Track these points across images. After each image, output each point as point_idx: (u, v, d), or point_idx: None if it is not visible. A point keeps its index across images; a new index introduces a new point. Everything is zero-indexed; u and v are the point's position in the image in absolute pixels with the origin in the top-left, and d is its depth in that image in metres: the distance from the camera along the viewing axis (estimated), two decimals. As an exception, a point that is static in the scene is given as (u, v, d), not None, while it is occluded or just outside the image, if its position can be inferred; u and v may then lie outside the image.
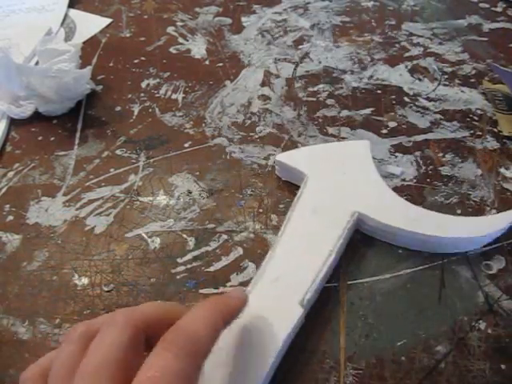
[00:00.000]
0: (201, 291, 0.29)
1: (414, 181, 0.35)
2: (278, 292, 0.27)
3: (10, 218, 0.34)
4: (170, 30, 0.53)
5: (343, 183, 0.32)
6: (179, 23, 0.54)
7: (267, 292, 0.27)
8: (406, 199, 0.32)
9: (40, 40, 0.43)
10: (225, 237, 0.32)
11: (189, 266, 0.30)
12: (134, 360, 0.20)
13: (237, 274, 0.30)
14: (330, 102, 0.42)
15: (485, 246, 0.30)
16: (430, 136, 0.39)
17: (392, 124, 0.40)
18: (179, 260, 0.31)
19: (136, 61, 0.48)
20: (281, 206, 0.34)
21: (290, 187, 0.35)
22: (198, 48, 0.50)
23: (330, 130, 0.39)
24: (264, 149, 0.38)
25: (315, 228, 0.30)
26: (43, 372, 0.21)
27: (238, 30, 0.52)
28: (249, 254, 0.31)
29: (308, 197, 0.31)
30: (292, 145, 0.38)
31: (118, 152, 0.38)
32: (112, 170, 0.37)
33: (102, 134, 0.40)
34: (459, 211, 0.33)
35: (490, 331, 0.26)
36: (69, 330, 0.27)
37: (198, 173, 0.36)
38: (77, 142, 0.40)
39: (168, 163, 0.37)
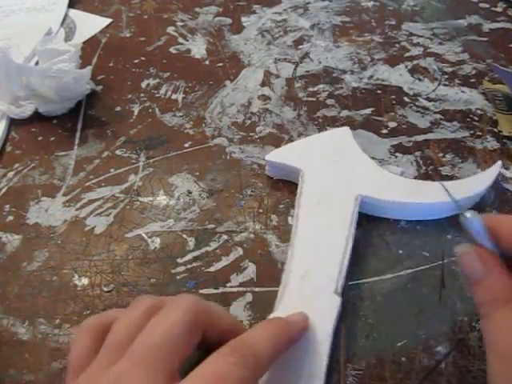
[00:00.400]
0: (201, 291, 0.29)
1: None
2: (310, 288, 0.27)
3: (10, 218, 0.34)
4: (170, 29, 0.53)
5: (338, 170, 0.33)
6: (179, 23, 0.54)
7: (300, 291, 0.27)
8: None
9: (40, 40, 0.43)
10: (225, 237, 0.32)
11: (189, 267, 0.30)
12: (188, 345, 0.20)
13: (237, 275, 0.30)
14: (330, 102, 0.42)
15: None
16: (430, 136, 0.39)
17: (392, 124, 0.40)
18: (179, 260, 0.31)
19: (136, 61, 0.48)
20: (281, 206, 0.34)
21: (290, 187, 0.35)
22: (198, 48, 0.50)
23: (330, 130, 0.39)
24: (264, 149, 0.38)
25: (325, 219, 0.30)
26: (102, 327, 0.22)
27: (238, 29, 0.52)
28: (249, 255, 0.31)
29: (309, 191, 0.32)
30: (292, 145, 0.38)
31: (118, 152, 0.38)
32: (112, 170, 0.37)
33: (102, 134, 0.40)
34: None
35: (490, 331, 0.26)
36: (70, 330, 0.27)
37: (198, 173, 0.36)
38: (77, 142, 0.40)
39: (168, 163, 0.37)
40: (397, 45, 0.49)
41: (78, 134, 0.40)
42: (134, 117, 0.42)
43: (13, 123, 0.42)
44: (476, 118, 0.40)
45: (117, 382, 0.19)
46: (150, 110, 0.42)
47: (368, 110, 0.41)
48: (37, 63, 0.47)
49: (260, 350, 0.20)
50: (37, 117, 0.42)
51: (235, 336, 0.21)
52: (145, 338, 0.20)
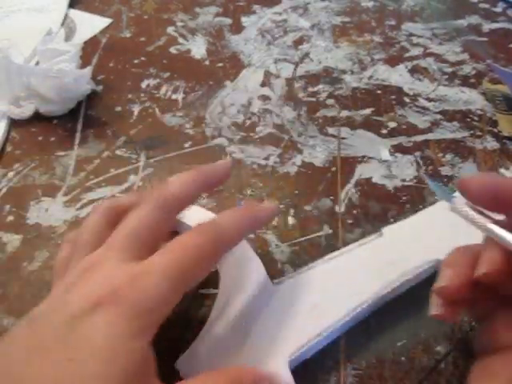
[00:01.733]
0: (201, 291, 0.29)
1: (415, 181, 0.35)
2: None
3: (11, 218, 0.34)
4: (170, 30, 0.53)
5: None
6: (179, 23, 0.54)
7: None
8: (405, 200, 0.33)
9: (41, 40, 0.43)
10: (225, 237, 0.32)
11: (189, 267, 0.30)
12: (164, 227, 0.23)
13: (237, 275, 0.30)
14: (329, 102, 0.42)
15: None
16: (429, 136, 0.39)
17: (392, 124, 0.40)
18: (179, 260, 0.31)
19: (136, 61, 0.48)
20: (281, 206, 0.34)
21: (290, 187, 0.35)
22: (198, 48, 0.50)
23: (330, 131, 0.39)
24: (264, 149, 0.38)
25: None
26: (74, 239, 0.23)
27: (238, 30, 0.52)
28: (249, 255, 0.31)
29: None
30: (292, 145, 0.38)
31: (118, 152, 0.38)
32: (112, 170, 0.37)
33: (103, 134, 0.40)
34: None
35: (489, 331, 0.26)
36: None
37: (198, 173, 0.36)
38: (77, 142, 0.40)
39: (168, 163, 0.37)
40: (397, 45, 0.49)
41: (78, 134, 0.40)
42: (134, 117, 0.42)
43: (13, 123, 0.42)
44: (476, 119, 0.40)
45: (94, 264, 0.20)
46: (150, 110, 0.42)
47: (368, 110, 0.41)
48: (37, 63, 0.47)
49: (228, 231, 0.22)
50: (37, 117, 0.42)
51: None
52: (115, 236, 0.21)
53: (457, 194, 0.22)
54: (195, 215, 0.28)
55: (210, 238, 0.21)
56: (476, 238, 0.23)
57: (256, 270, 0.27)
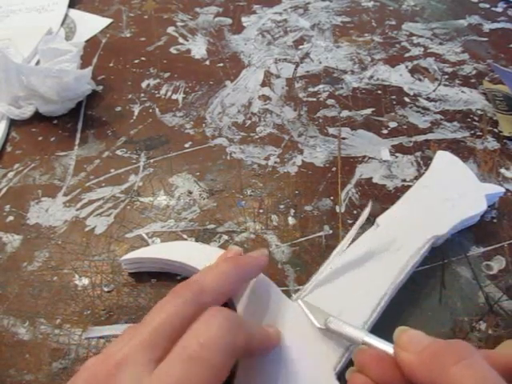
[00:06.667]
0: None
1: (415, 181, 0.35)
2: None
3: (11, 218, 0.34)
4: (170, 30, 0.53)
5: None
6: (179, 23, 0.54)
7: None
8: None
9: (42, 39, 0.43)
10: (225, 237, 0.32)
11: (189, 267, 0.30)
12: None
13: (237, 275, 0.30)
14: (330, 102, 0.42)
15: (484, 247, 0.30)
16: (430, 136, 0.39)
17: (392, 124, 0.40)
18: (180, 260, 0.31)
19: (136, 61, 0.48)
20: (281, 206, 0.34)
21: (290, 187, 0.35)
22: (198, 48, 0.50)
23: (331, 131, 0.39)
24: (264, 149, 0.38)
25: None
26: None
27: (238, 30, 0.52)
28: (249, 255, 0.31)
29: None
30: (292, 145, 0.38)
31: (119, 152, 0.38)
32: (112, 170, 0.37)
33: (103, 135, 0.40)
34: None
35: (490, 332, 0.26)
36: (71, 330, 0.27)
37: (198, 173, 0.36)
38: (77, 142, 0.40)
39: (168, 163, 0.37)
40: (397, 45, 0.49)
41: (78, 134, 0.40)
42: (134, 117, 0.42)
43: (13, 123, 0.42)
44: (476, 119, 0.40)
45: (116, 366, 0.19)
46: (151, 110, 0.42)
47: (368, 110, 0.41)
48: (37, 63, 0.47)
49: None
50: (37, 117, 0.42)
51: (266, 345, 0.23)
52: (148, 321, 0.21)
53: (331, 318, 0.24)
54: (197, 255, 0.28)
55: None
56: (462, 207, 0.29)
57: (273, 293, 0.27)
